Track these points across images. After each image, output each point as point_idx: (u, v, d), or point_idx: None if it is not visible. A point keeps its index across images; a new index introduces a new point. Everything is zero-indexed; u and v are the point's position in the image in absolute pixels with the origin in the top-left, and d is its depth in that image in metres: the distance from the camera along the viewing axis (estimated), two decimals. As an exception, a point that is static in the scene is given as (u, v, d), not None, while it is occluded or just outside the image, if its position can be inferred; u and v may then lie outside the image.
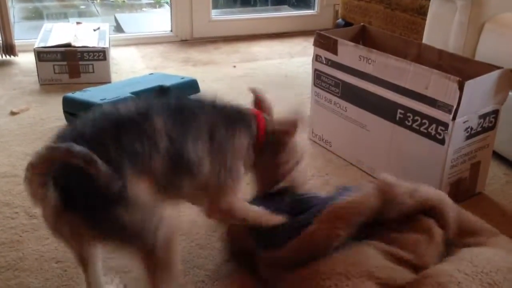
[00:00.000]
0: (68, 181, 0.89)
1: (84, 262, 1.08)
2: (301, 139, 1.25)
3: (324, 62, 1.74)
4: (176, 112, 1.04)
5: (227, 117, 1.12)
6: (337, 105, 1.73)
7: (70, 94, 1.95)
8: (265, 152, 1.19)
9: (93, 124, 0.96)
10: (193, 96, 1.27)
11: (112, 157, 0.91)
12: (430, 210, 1.17)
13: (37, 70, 2.33)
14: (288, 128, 1.19)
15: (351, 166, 1.72)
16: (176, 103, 1.08)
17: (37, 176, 0.86)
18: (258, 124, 1.17)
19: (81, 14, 4.21)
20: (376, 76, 1.55)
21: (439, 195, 1.21)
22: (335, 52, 1.68)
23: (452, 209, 1.20)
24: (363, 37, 1.85)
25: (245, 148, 1.13)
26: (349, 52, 1.63)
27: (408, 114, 1.47)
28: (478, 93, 1.39)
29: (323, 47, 1.73)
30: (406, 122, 1.48)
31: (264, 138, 1.17)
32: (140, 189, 0.94)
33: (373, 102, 1.58)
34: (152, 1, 4.52)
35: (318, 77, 1.79)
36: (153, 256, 0.97)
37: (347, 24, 2.86)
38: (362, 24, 1.89)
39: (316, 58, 1.77)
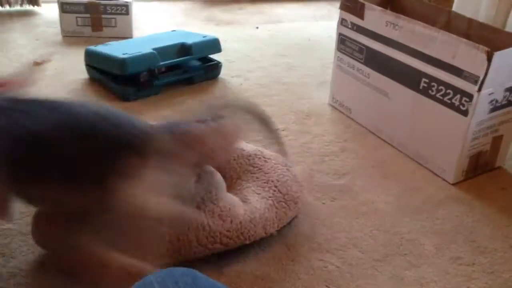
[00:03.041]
0: None
1: None
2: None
3: (350, 26, 1.70)
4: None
5: None
6: (360, 71, 1.70)
7: (92, 47, 1.95)
8: None
9: None
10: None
11: None
12: None
13: (60, 22, 2.33)
14: None
15: (370, 133, 1.71)
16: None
17: None
18: None
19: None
20: (402, 43, 1.51)
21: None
22: (361, 16, 1.64)
23: None
24: (391, 3, 1.80)
25: None
26: (376, 17, 1.59)
27: (432, 84, 1.44)
28: (506, 65, 1.35)
29: (349, 11, 1.69)
30: (430, 91, 1.46)
31: None
32: None
33: (397, 69, 1.55)
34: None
35: (342, 42, 1.75)
36: None
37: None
38: (391, -12, 1.84)
39: (342, 22, 1.74)
